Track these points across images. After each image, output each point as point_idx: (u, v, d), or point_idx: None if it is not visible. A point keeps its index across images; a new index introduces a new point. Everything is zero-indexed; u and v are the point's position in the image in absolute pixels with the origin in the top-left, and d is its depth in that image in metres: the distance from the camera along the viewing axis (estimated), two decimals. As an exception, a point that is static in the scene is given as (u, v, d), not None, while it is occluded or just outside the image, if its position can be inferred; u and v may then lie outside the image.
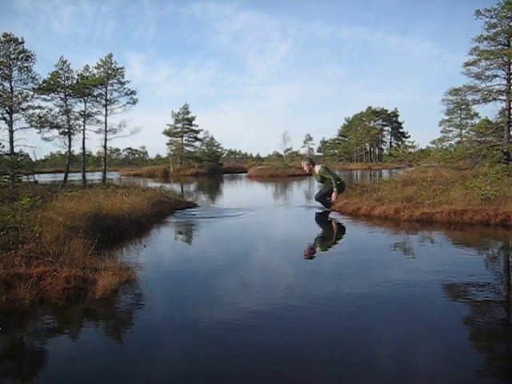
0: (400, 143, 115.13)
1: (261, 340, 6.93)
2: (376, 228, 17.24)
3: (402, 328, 7.17)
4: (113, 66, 38.00)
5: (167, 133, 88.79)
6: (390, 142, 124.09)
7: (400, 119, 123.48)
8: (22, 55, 30.55)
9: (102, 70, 37.81)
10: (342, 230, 17.62)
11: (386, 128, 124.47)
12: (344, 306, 8.31)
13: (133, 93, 38.54)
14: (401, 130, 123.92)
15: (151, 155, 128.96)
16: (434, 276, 10.10)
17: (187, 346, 6.83)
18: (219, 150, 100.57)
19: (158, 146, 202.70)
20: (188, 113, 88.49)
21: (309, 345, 6.72)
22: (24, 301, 8.05)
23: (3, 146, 29.26)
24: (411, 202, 19.56)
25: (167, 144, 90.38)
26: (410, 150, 47.80)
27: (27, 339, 7.32)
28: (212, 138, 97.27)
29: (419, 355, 6.29)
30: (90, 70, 37.53)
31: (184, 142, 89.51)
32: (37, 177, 36.96)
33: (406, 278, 9.95)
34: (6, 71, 30.08)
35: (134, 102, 38.58)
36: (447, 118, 62.28)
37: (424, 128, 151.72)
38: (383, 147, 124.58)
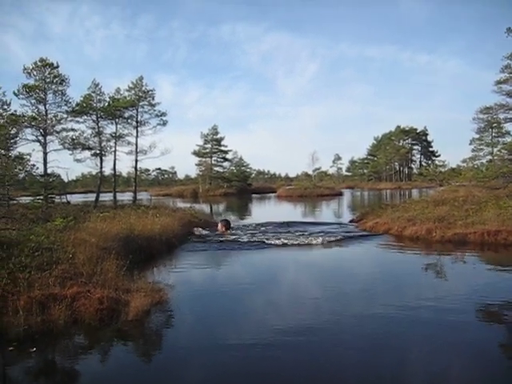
0: (430, 162, 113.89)
1: (289, 359, 6.90)
2: (407, 249, 17.04)
3: (434, 355, 7.05)
4: (143, 88, 38.51)
5: (196, 153, 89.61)
6: (420, 161, 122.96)
7: (429, 138, 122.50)
8: (56, 79, 31.22)
9: (133, 92, 38.33)
10: (372, 249, 17.43)
11: (415, 147, 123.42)
12: (373, 328, 8.22)
13: (163, 114, 38.92)
14: (430, 149, 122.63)
15: (180, 175, 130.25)
16: (467, 299, 9.92)
17: (214, 366, 6.86)
18: (248, 170, 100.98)
19: (187, 167, 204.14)
20: (217, 133, 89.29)
21: (340, 366, 6.68)
22: (58, 321, 8.17)
23: (37, 168, 29.82)
24: (443, 223, 19.29)
25: (196, 164, 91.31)
26: (440, 169, 47.28)
27: (60, 359, 7.41)
28: (241, 159, 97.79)
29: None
30: (122, 92, 38.09)
31: (213, 162, 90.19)
32: (69, 197, 37.54)
33: (438, 302, 9.79)
34: (42, 95, 30.75)
35: (165, 123, 38.94)
36: (478, 136, 61.44)
37: (454, 147, 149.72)
38: (413, 166, 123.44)
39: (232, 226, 24.50)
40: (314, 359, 6.93)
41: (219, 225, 23.61)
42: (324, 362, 6.82)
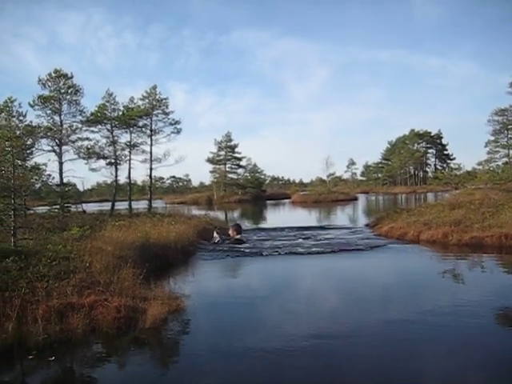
0: (445, 165, 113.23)
1: (306, 365, 6.89)
2: (424, 253, 16.95)
3: (451, 359, 7.00)
4: (157, 97, 38.71)
5: (210, 160, 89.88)
6: (435, 165, 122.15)
7: (444, 141, 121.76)
8: (71, 89, 31.53)
9: (147, 101, 38.55)
10: (389, 253, 17.32)
11: (430, 150, 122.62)
12: (391, 333, 8.19)
13: (177, 123, 39.03)
14: (445, 152, 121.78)
15: (194, 183, 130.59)
16: (486, 304, 9.84)
17: (231, 374, 6.88)
18: (262, 176, 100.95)
19: (201, 174, 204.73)
20: (231, 140, 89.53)
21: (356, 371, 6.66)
22: (77, 330, 8.23)
23: (53, 178, 30.13)
24: (459, 226, 19.13)
25: (210, 172, 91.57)
26: (455, 172, 46.88)
27: (79, 368, 7.47)
28: (255, 165, 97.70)
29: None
30: (135, 101, 38.45)
31: (227, 169, 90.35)
32: (84, 206, 37.81)
33: (456, 308, 9.72)
34: (57, 105, 31.07)
35: (178, 131, 39.05)
36: (493, 138, 61.03)
37: (469, 149, 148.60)
38: (428, 170, 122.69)
39: (243, 229, 24.72)
40: (332, 366, 6.92)
41: (230, 230, 23.78)
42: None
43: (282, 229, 26.55)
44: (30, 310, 8.46)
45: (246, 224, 32.96)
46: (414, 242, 19.08)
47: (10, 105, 28.82)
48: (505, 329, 8.42)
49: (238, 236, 22.72)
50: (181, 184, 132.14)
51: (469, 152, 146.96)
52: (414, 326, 8.48)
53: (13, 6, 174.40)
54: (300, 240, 21.56)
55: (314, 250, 18.55)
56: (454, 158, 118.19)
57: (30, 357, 7.40)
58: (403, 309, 9.72)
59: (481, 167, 41.91)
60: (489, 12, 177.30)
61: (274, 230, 26.46)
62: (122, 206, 40.85)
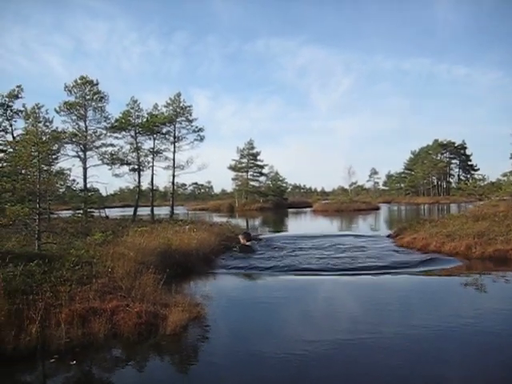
0: (469, 176, 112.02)
1: (325, 374, 6.88)
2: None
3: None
4: (181, 104, 38.95)
5: (232, 168, 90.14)
6: (459, 176, 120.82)
7: (468, 151, 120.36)
8: (96, 96, 32.06)
9: (171, 108, 38.81)
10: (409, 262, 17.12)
11: (453, 161, 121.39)
12: (410, 343, 8.13)
13: (200, 130, 39.18)
14: (469, 163, 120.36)
15: (216, 190, 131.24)
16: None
17: (251, 382, 6.90)
18: (284, 184, 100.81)
19: (222, 181, 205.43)
20: (253, 148, 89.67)
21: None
22: (98, 335, 8.31)
23: (77, 183, 30.58)
24: (483, 238, 18.87)
25: (232, 179, 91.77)
26: (479, 183, 46.28)
27: (99, 373, 7.54)
28: (277, 173, 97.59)
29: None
30: (159, 108, 38.81)
31: (249, 176, 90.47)
32: (107, 211, 38.12)
33: (476, 321, 9.61)
34: (82, 111, 31.62)
35: (202, 138, 39.19)
36: (519, 149, 60.31)
37: (494, 160, 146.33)
38: (451, 180, 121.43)
39: (253, 236, 25.58)
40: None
41: (240, 237, 24.10)
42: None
43: (303, 237, 26.59)
44: (53, 314, 8.57)
45: (267, 232, 32.96)
46: (437, 253, 18.86)
47: (37, 111, 29.35)
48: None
49: (248, 243, 22.98)
50: (203, 191, 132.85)
51: (493, 163, 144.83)
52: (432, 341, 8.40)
53: (41, 15, 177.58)
54: (319, 251, 21.16)
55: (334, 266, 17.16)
56: (478, 169, 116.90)
57: (52, 360, 7.50)
58: (422, 318, 9.61)
59: (505, 178, 41.26)
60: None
61: (294, 238, 26.48)
62: (144, 211, 41.16)
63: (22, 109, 32.28)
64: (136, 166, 35.98)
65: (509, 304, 11.19)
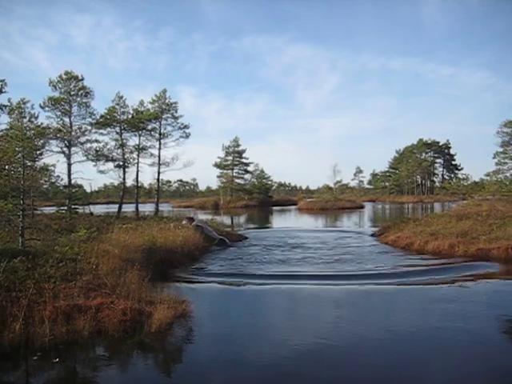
0: (452, 176, 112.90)
1: (309, 374, 6.91)
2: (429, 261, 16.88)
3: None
4: (167, 101, 38.82)
5: (218, 165, 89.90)
6: (442, 175, 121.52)
7: (452, 151, 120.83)
8: (81, 92, 31.75)
9: (157, 104, 38.66)
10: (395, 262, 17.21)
11: (437, 160, 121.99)
12: (395, 345, 8.21)
13: (186, 127, 39.08)
14: (453, 163, 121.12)
15: (201, 187, 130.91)
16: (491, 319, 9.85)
17: (232, 382, 6.92)
18: (269, 182, 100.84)
19: (207, 178, 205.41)
20: (238, 146, 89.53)
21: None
22: (83, 332, 8.28)
23: (61, 179, 30.30)
24: (466, 237, 19.07)
25: (218, 176, 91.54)
26: (463, 182, 46.77)
27: (82, 371, 7.51)
28: (262, 171, 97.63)
29: None
30: (145, 104, 38.59)
31: (234, 174, 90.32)
32: (91, 208, 37.91)
33: (463, 321, 9.72)
34: (67, 107, 31.28)
35: (187, 135, 39.04)
36: (502, 149, 60.96)
37: (477, 160, 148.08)
38: (435, 180, 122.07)
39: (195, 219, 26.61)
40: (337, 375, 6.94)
41: (184, 221, 25.08)
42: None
43: (290, 230, 26.96)
44: (37, 311, 8.53)
45: (252, 228, 32.98)
46: (420, 252, 19.01)
47: (22, 106, 29.01)
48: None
49: (191, 225, 23.30)
50: (188, 188, 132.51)
51: (477, 163, 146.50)
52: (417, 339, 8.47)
53: (25, 8, 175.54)
54: (299, 251, 21.11)
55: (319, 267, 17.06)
56: (461, 169, 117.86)
57: (35, 358, 7.45)
58: (407, 321, 9.68)
59: (489, 178, 41.69)
60: (504, 20, 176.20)
61: (279, 233, 26.82)
62: (128, 208, 40.93)
63: (7, 103, 31.98)
64: (121, 163, 35.78)
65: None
